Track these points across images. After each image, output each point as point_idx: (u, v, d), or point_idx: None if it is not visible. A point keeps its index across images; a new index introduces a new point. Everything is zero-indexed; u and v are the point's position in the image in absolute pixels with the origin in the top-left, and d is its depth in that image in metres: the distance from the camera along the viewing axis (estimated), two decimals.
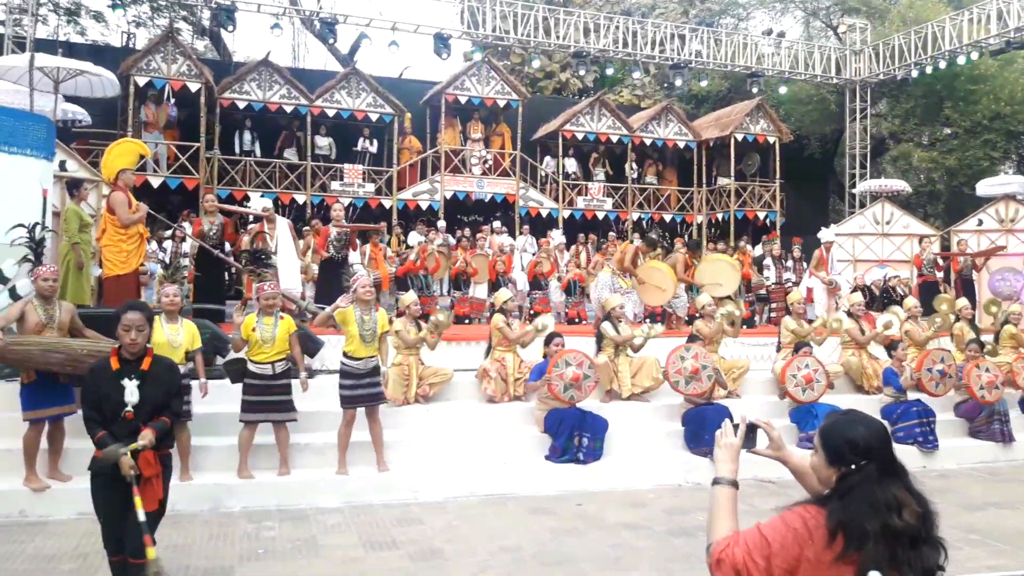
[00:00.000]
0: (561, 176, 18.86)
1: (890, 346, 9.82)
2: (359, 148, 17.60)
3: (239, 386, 6.95)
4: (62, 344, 6.31)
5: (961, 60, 18.93)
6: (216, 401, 6.99)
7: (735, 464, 2.35)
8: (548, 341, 8.47)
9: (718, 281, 11.23)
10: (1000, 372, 9.38)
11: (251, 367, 6.85)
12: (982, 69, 20.79)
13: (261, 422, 6.88)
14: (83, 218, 8.81)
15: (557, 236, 15.09)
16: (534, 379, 8.37)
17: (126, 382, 4.06)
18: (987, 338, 10.61)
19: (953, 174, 22.70)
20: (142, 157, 10.85)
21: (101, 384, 4.10)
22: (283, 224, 10.84)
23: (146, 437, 3.99)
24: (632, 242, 13.37)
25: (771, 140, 19.76)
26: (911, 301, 11.03)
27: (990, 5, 18.29)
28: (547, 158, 19.46)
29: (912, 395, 9.28)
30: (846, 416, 2.23)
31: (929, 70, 19.77)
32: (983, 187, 17.89)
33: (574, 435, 7.68)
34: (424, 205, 17.57)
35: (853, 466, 2.10)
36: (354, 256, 11.61)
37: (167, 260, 11.21)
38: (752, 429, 2.43)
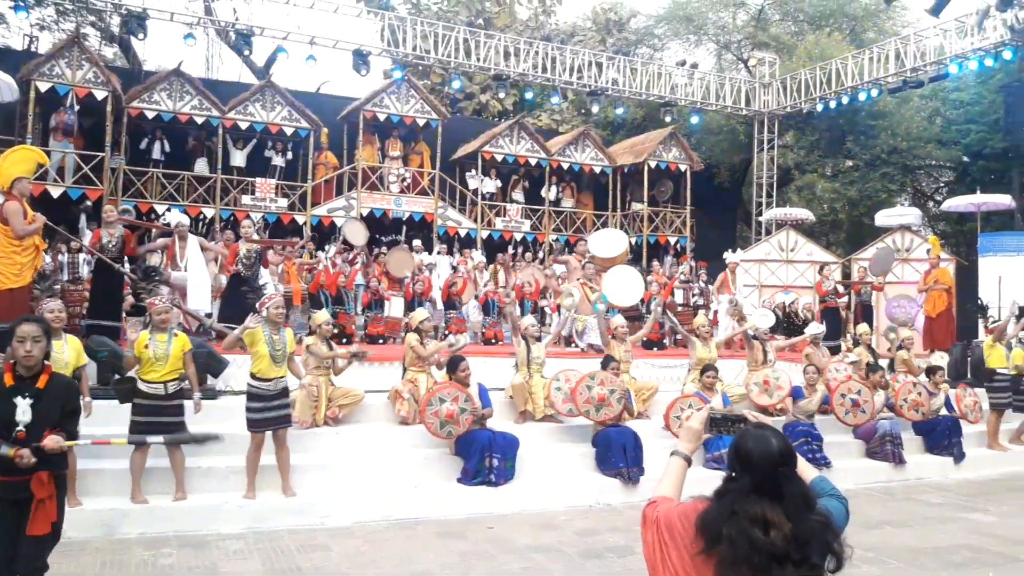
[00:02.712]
0: (480, 196, 18.91)
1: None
2: (272, 161, 17.27)
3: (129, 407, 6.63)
4: None
5: (862, 96, 19.88)
6: (110, 422, 6.67)
7: (693, 444, 2.60)
8: (454, 367, 8.12)
9: (624, 289, 11.30)
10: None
11: (142, 386, 6.53)
12: (881, 106, 21.92)
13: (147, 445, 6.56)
14: None
15: (476, 256, 15.10)
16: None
17: (19, 400, 3.88)
18: (883, 362, 11.10)
19: (854, 204, 23.75)
20: (40, 166, 10.34)
21: None
22: (194, 241, 10.51)
23: (53, 439, 3.81)
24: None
25: (683, 168, 20.32)
26: (815, 328, 11.40)
27: (889, 46, 19.32)
28: (470, 174, 19.47)
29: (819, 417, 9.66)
30: (755, 430, 2.32)
31: (832, 104, 20.69)
32: (881, 217, 18.78)
33: (485, 456, 7.63)
34: (339, 222, 17.31)
35: (733, 473, 2.25)
36: (265, 274, 11.32)
37: (48, 273, 10.64)
38: (712, 419, 2.64)
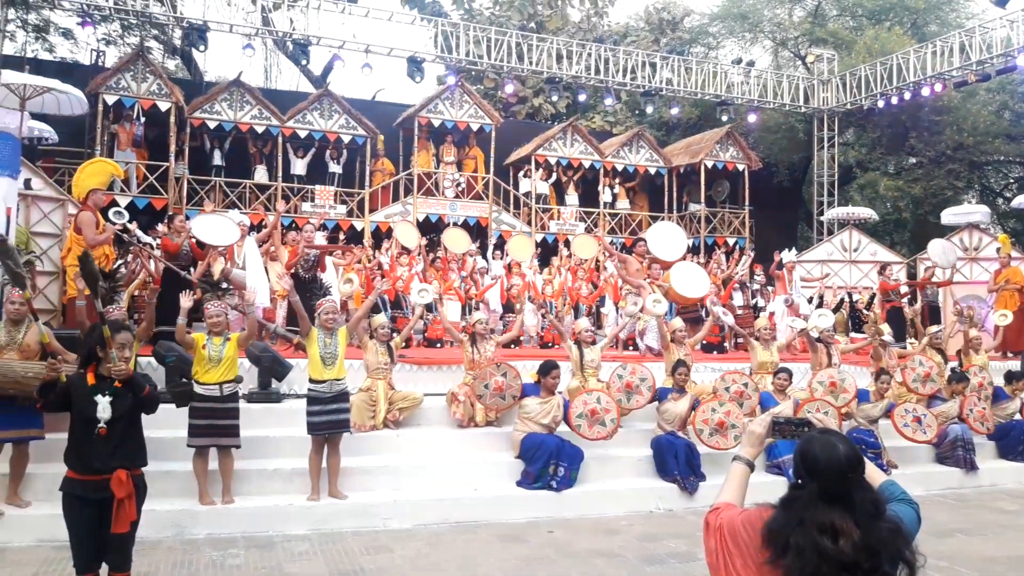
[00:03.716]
0: (533, 200, 18.92)
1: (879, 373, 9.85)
2: (329, 169, 17.55)
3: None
4: (3, 366, 6.14)
5: (925, 91, 19.34)
6: (177, 424, 6.83)
7: (755, 449, 2.59)
8: (546, 372, 8.09)
9: (692, 282, 11.17)
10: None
11: (198, 389, 6.67)
12: (945, 100, 21.26)
13: (207, 447, 6.71)
14: None
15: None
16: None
17: (99, 398, 4.10)
18: (953, 364, 10.77)
19: (918, 203, 23.12)
20: (113, 177, 10.71)
21: (75, 397, 4.15)
22: (251, 242, 10.73)
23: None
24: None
25: (740, 167, 20.04)
26: (821, 318, 10.91)
27: (953, 38, 18.76)
28: (522, 175, 19.47)
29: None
30: (821, 436, 2.28)
31: (894, 100, 20.16)
32: (948, 216, 18.23)
33: (550, 463, 7.61)
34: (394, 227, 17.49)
35: (799, 481, 2.21)
36: (330, 277, 11.46)
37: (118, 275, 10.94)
38: (775, 423, 2.60)
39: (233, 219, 10.54)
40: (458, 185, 18.25)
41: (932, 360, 10.31)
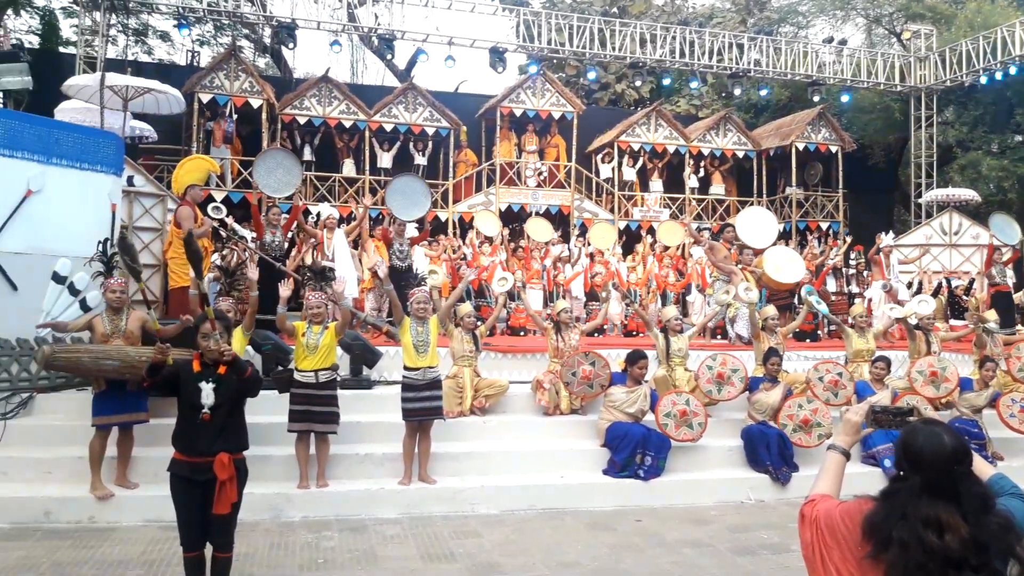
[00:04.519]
0: (616, 186, 18.73)
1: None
2: (414, 161, 17.78)
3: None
4: (115, 351, 6.46)
5: None
6: (275, 411, 7.07)
7: (851, 437, 2.53)
8: (633, 361, 8.05)
9: (787, 266, 10.90)
10: None
11: (296, 376, 6.91)
12: None
13: (306, 431, 6.90)
14: None
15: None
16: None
17: (203, 385, 4.28)
18: None
19: None
20: (210, 173, 11.12)
21: (182, 383, 4.35)
22: (340, 234, 11.00)
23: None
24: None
25: (833, 149, 19.38)
26: (920, 304, 10.36)
27: None
28: (601, 162, 19.31)
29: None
30: (924, 426, 2.20)
31: (999, 76, 19.11)
32: None
33: (636, 452, 7.55)
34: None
35: (902, 473, 2.15)
36: (420, 264, 11.62)
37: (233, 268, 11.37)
38: (874, 412, 2.55)
39: (294, 168, 10.61)
40: (540, 174, 18.22)
41: None
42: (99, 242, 7.61)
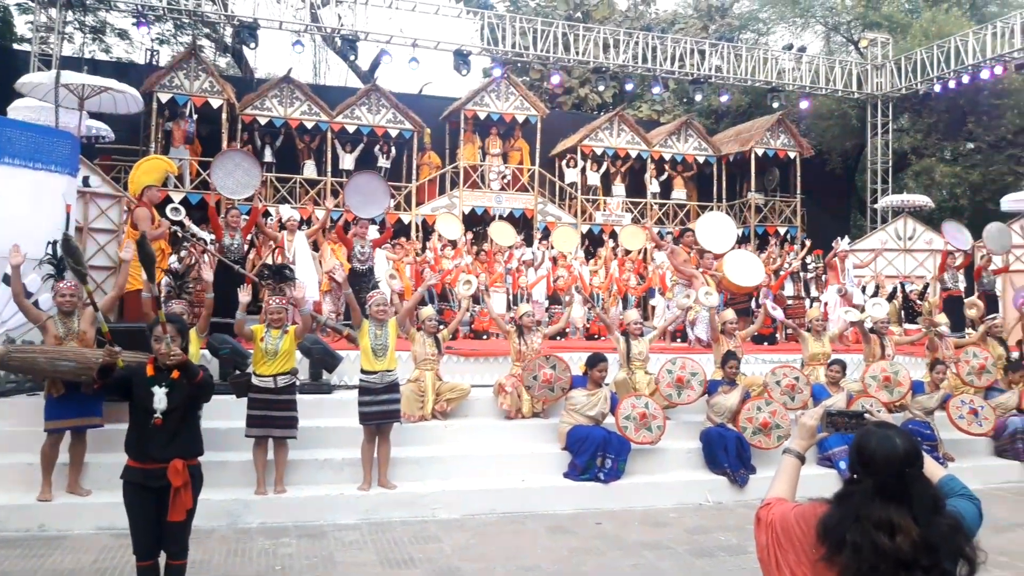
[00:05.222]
0: (579, 190, 18.83)
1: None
2: (378, 163, 17.70)
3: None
4: (71, 352, 6.33)
5: (984, 75, 18.74)
6: (232, 415, 6.99)
7: (807, 441, 2.53)
8: (593, 364, 8.05)
9: (746, 270, 11.03)
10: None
11: (255, 380, 6.82)
12: (1006, 83, 20.57)
13: (264, 437, 6.83)
14: None
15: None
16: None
17: (156, 389, 4.20)
18: (1015, 354, 10.45)
19: (977, 189, 22.42)
20: (168, 174, 10.95)
21: (135, 387, 4.25)
22: (301, 236, 10.91)
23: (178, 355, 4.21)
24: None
25: (792, 155, 19.71)
26: (876, 308, 10.55)
27: (1014, 19, 18.12)
28: (565, 165, 19.39)
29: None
30: (878, 429, 2.23)
31: (952, 84, 19.58)
32: (1007, 202, 17.64)
33: (597, 455, 7.58)
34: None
35: (856, 476, 2.17)
36: (379, 269, 11.57)
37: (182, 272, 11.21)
38: (829, 415, 2.56)
39: (253, 169, 10.44)
40: (504, 177, 18.26)
41: (990, 350, 10.00)
42: (48, 243, 7.46)
